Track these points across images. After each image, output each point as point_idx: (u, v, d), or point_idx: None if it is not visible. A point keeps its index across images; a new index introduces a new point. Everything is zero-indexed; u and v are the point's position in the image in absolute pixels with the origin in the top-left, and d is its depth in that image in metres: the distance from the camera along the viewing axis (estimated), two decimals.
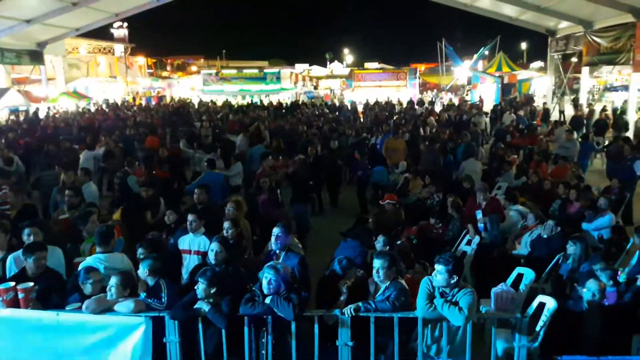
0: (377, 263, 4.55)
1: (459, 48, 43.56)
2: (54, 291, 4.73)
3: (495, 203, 7.91)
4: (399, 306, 4.36)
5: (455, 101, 33.27)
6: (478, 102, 30.09)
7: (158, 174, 10.37)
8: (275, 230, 5.39)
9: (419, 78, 41.28)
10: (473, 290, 4.29)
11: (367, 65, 58.96)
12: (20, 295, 4.39)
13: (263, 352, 4.39)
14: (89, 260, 5.13)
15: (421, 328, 4.34)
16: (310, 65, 62.85)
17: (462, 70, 39.63)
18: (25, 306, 4.41)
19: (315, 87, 54.28)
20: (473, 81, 36.69)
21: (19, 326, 4.45)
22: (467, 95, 37.40)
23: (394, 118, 21.74)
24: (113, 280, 4.45)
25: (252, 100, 37.56)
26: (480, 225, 7.57)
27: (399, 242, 6.56)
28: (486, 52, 41.30)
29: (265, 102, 36.08)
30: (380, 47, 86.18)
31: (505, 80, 36.18)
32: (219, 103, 35.21)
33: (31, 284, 4.50)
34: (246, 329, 4.36)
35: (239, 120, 22.74)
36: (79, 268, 4.96)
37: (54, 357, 4.43)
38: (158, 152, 12.41)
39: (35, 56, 28.97)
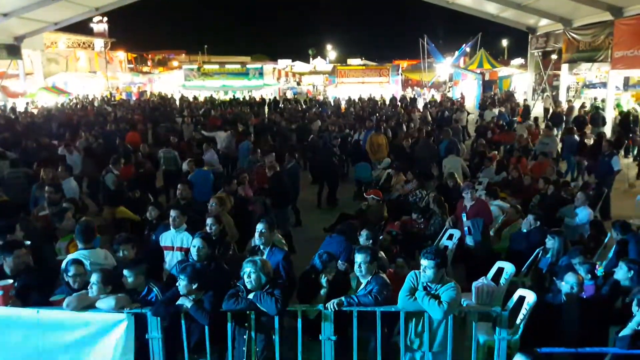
0: (358, 257, 4.58)
1: (441, 45, 43.93)
2: (33, 289, 4.68)
3: (481, 205, 7.42)
4: (381, 300, 4.39)
5: (438, 98, 33.53)
6: (459, 99, 30.36)
7: (146, 170, 10.32)
8: (259, 226, 5.38)
9: (402, 75, 41.48)
10: (456, 285, 4.34)
11: (350, 61, 59.04)
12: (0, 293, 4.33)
13: (244, 348, 4.38)
14: (74, 255, 5.09)
15: (403, 322, 4.38)
16: (293, 61, 62.66)
17: (443, 67, 39.96)
18: (4, 303, 4.35)
19: (298, 83, 54.22)
20: (455, 78, 37.06)
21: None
22: (448, 91, 37.74)
23: (377, 114, 21.83)
24: (94, 277, 4.40)
25: (234, 96, 37.37)
26: (465, 228, 7.25)
27: (381, 237, 6.60)
28: (467, 49, 41.66)
29: (248, 98, 35.91)
30: (363, 43, 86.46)
31: (487, 77, 36.56)
32: (201, 99, 34.95)
33: (10, 281, 4.46)
34: (229, 325, 4.35)
35: (221, 115, 22.61)
36: (66, 260, 4.93)
37: (35, 354, 4.37)
38: (139, 149, 12.29)
39: (13, 50, 28.44)
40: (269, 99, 34.27)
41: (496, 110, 23.51)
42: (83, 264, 4.82)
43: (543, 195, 8.82)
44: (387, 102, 29.75)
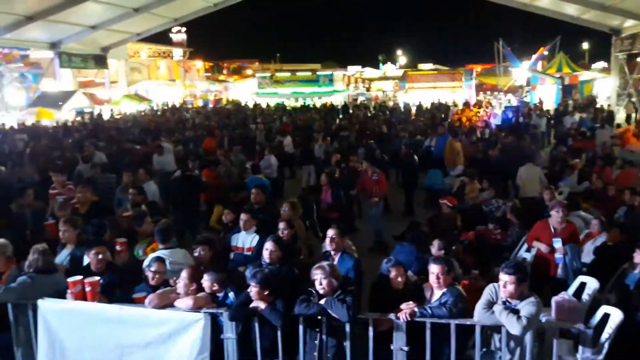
0: (434, 268, 4.49)
1: (517, 48, 42.25)
2: (117, 286, 4.94)
3: (573, 228, 6.44)
4: (456, 313, 4.27)
5: (514, 103, 32.33)
6: (537, 104, 29.12)
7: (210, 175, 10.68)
8: (330, 232, 5.42)
9: (475, 79, 40.37)
10: (537, 300, 4.14)
11: (421, 66, 58.19)
12: (87, 289, 4.60)
13: (315, 353, 4.40)
14: (157, 253, 5.38)
15: (479, 336, 4.24)
16: (362, 67, 62.64)
17: (520, 71, 38.45)
18: (91, 299, 4.61)
19: (368, 89, 54.08)
20: (532, 82, 35.56)
21: (86, 317, 4.64)
22: (526, 96, 36.28)
23: (449, 120, 21.39)
24: (183, 274, 4.59)
25: (304, 103, 37.90)
26: (559, 257, 6.17)
27: (454, 247, 6.42)
28: (546, 53, 39.89)
29: (318, 105, 36.29)
30: (434, 48, 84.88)
31: (566, 82, 34.83)
32: (273, 105, 35.74)
33: (97, 278, 4.72)
34: (301, 329, 4.40)
35: (292, 122, 23.00)
36: (149, 257, 5.21)
37: (118, 348, 4.60)
38: (215, 154, 12.72)
39: (100, 60, 30.40)
40: (337, 106, 34.46)
41: (577, 116, 22.35)
42: (164, 262, 5.06)
43: (630, 207, 8.26)
44: (461, 107, 29.06)
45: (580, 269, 6.08)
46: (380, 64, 65.40)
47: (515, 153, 11.67)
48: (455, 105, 30.62)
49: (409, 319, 4.26)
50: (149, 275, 4.92)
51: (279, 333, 4.39)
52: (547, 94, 32.04)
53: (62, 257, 5.71)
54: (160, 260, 5.06)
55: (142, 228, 6.22)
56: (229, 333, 4.49)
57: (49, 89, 27.96)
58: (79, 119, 24.85)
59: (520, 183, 10.02)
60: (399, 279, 4.74)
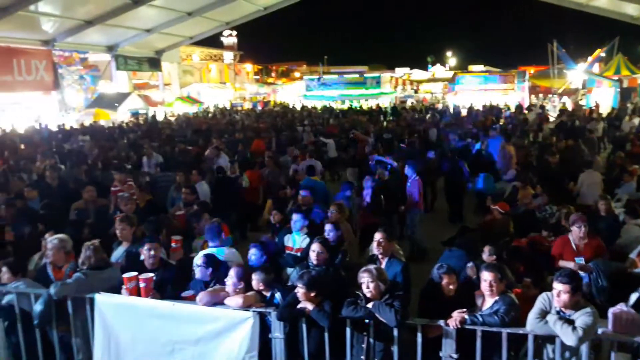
0: (486, 275, 4.38)
1: (572, 50, 40.82)
2: (169, 283, 5.08)
3: (597, 244, 6.10)
4: (508, 321, 4.16)
5: (569, 105, 31.25)
6: (593, 107, 28.03)
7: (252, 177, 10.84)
8: (377, 236, 5.39)
9: (528, 81, 39.27)
10: (594, 310, 3.99)
11: (471, 68, 57.06)
12: (142, 285, 4.75)
13: (362, 357, 4.38)
14: (207, 251, 5.54)
15: (532, 345, 4.12)
16: (410, 69, 62.05)
17: (576, 74, 37.09)
18: (145, 295, 4.76)
19: (416, 91, 53.58)
20: (588, 85, 34.25)
21: (139, 312, 4.79)
22: (581, 99, 34.98)
23: (501, 123, 20.87)
24: (231, 273, 4.69)
25: (351, 105, 37.89)
26: (583, 275, 5.65)
27: (506, 254, 6.25)
28: (603, 54, 38.32)
29: (365, 107, 36.21)
30: (485, 49, 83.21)
31: (625, 84, 33.32)
32: (320, 108, 35.91)
33: (151, 274, 4.87)
34: (348, 332, 4.39)
35: (338, 124, 23.02)
36: (200, 254, 5.34)
37: (170, 343, 4.72)
38: (263, 155, 12.89)
39: (154, 63, 31.36)
40: (385, 108, 34.25)
41: (636, 120, 21.33)
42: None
43: None
44: (513, 110, 28.33)
45: (605, 288, 5.65)
46: (429, 66, 64.65)
47: (574, 158, 11.25)
48: (507, 108, 29.89)
49: (459, 326, 4.18)
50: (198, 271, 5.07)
51: (326, 335, 4.40)
52: (604, 97, 30.78)
53: (118, 253, 5.94)
54: (210, 258, 5.19)
55: (200, 225, 6.39)
56: (277, 332, 4.53)
57: (106, 90, 29.08)
58: (133, 119, 25.72)
59: (580, 189, 9.66)
60: (451, 287, 4.66)
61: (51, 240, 5.39)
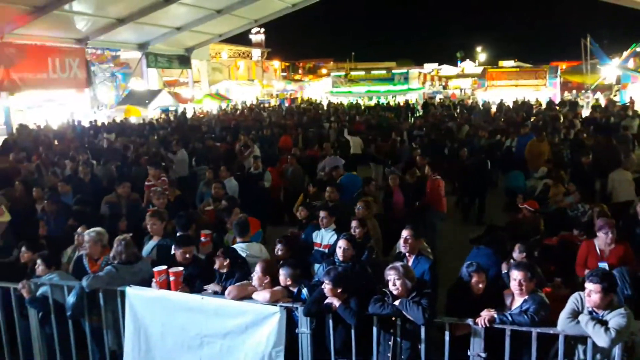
0: (516, 274, 4.31)
1: (606, 45, 39.72)
2: (198, 277, 5.16)
3: (624, 250, 5.81)
4: (538, 321, 4.09)
5: (602, 102, 30.45)
6: (628, 104, 27.24)
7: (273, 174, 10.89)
8: (405, 233, 5.35)
9: (560, 77, 38.40)
10: (629, 312, 3.89)
11: (502, 63, 56.10)
12: (171, 278, 4.84)
13: (389, 354, 4.37)
14: (233, 247, 5.62)
15: (562, 346, 4.04)
16: (439, 64, 61.37)
17: (610, 69, 36.10)
18: (175, 288, 4.84)
19: (445, 87, 52.98)
20: (623, 81, 33.33)
21: (169, 305, 4.88)
22: (615, 95, 34.04)
23: (532, 119, 20.46)
24: (257, 268, 4.73)
25: (378, 101, 37.70)
26: None
27: (537, 253, 6.15)
28: (639, 49, 37.18)
29: (392, 103, 35.97)
30: (516, 44, 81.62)
31: None
32: (347, 104, 35.85)
33: (181, 268, 4.95)
34: (375, 329, 4.38)
35: (365, 121, 22.92)
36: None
37: (198, 336, 4.79)
38: (291, 151, 12.95)
39: (184, 61, 31.77)
40: (413, 104, 33.96)
41: None
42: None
43: None
44: (544, 106, 27.76)
45: (632, 297, 5.33)
46: (459, 61, 63.84)
47: (606, 156, 10.95)
48: (538, 104, 29.31)
49: (488, 325, 4.13)
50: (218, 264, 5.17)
51: (352, 331, 4.40)
52: (639, 93, 29.87)
53: (149, 247, 6.06)
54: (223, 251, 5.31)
55: (230, 219, 6.49)
56: (304, 328, 4.55)
57: (137, 87, 29.59)
58: (163, 116, 26.13)
59: (612, 189, 9.41)
60: (480, 285, 4.61)
61: (89, 233, 5.54)
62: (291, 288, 4.73)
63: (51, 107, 24.99)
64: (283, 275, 4.72)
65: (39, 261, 5.40)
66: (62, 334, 5.18)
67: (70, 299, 5.01)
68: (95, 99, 26.50)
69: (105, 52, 27.97)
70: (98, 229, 5.67)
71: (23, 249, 5.85)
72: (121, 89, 28.90)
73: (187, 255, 5.28)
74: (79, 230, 6.07)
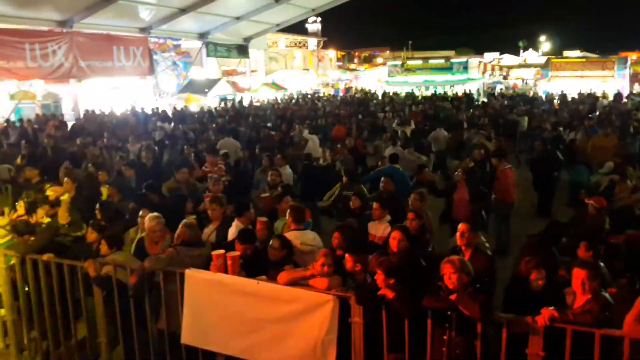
0: (578, 272, 4.14)
1: None
2: (256, 262, 5.25)
3: None
4: (601, 322, 3.92)
5: None
6: None
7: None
8: (461, 227, 5.24)
9: (630, 68, 36.35)
10: None
11: (566, 53, 53.75)
12: (229, 262, 4.94)
13: (443, 349, 4.30)
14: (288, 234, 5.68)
15: (628, 349, 3.85)
16: (500, 54, 59.47)
17: None
18: (231, 272, 4.95)
19: (505, 77, 51.36)
20: None
21: (225, 289, 4.98)
22: None
23: (599, 112, 19.51)
24: (318, 255, 4.78)
25: (435, 91, 36.98)
26: None
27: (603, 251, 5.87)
28: None
29: (450, 93, 35.19)
30: (582, 33, 77.99)
31: None
32: (403, 94, 35.36)
33: (238, 253, 5.05)
34: (429, 322, 4.32)
35: (421, 111, 22.57)
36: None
37: (253, 320, 4.87)
38: (344, 141, 12.94)
39: (242, 50, 32.24)
40: (473, 94, 33.09)
41: None
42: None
43: None
44: (612, 98, 26.39)
45: None
46: (521, 51, 61.68)
47: None
48: (604, 96, 27.91)
49: (548, 323, 3.99)
50: (270, 251, 5.22)
51: (405, 323, 4.36)
52: None
53: (208, 232, 6.22)
54: (277, 238, 5.38)
55: (281, 206, 6.57)
56: (357, 317, 4.55)
57: (197, 76, 30.31)
58: (222, 105, 26.68)
59: None
60: (539, 282, 4.46)
61: (150, 216, 5.75)
62: (358, 276, 4.73)
63: (115, 95, 26.04)
64: (351, 261, 4.72)
65: (103, 241, 5.65)
66: (124, 312, 5.38)
67: (132, 279, 5.22)
68: (157, 87, 27.37)
69: (167, 41, 28.76)
70: (157, 214, 5.87)
71: (89, 229, 6.14)
72: (182, 78, 29.67)
73: (248, 252, 5.36)
74: (141, 213, 6.31)
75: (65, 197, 6.56)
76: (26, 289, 5.86)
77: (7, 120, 19.76)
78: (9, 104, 22.75)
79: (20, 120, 18.30)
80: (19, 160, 11.12)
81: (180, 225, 5.53)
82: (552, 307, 4.06)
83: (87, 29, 22.04)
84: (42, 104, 23.50)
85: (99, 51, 22.73)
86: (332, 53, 56.70)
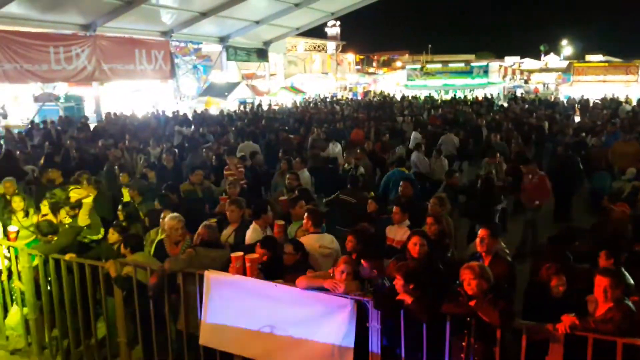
0: (600, 280, 4.07)
1: None
2: (274, 265, 5.27)
3: None
4: (623, 330, 3.85)
5: None
6: None
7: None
8: (481, 232, 5.19)
9: None
10: None
11: (589, 57, 52.97)
12: (247, 264, 4.97)
13: (462, 355, 4.27)
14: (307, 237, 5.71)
15: None
16: (521, 57, 58.88)
17: None
18: (250, 274, 4.97)
19: (526, 81, 50.84)
20: None
21: (244, 290, 5.00)
22: None
23: (621, 117, 19.19)
24: (338, 260, 4.78)
25: (454, 95, 36.74)
26: None
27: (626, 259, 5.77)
28: None
29: (470, 97, 34.93)
30: (605, 37, 76.85)
31: None
32: (422, 98, 35.22)
33: (257, 255, 5.08)
34: (447, 328, 4.29)
35: (440, 115, 22.44)
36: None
37: (271, 322, 4.88)
38: (363, 145, 12.89)
39: (261, 54, 32.45)
40: (494, 98, 32.81)
41: None
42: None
43: None
44: (635, 103, 25.94)
45: None
46: (542, 55, 61.01)
47: None
48: (627, 101, 27.43)
49: (569, 331, 3.93)
50: (284, 256, 5.22)
51: (424, 328, 4.34)
52: None
53: (227, 234, 6.27)
54: (290, 243, 5.41)
55: (295, 210, 6.58)
56: (374, 322, 4.54)
57: (217, 80, 30.59)
58: (241, 108, 26.86)
59: None
60: (560, 288, 4.40)
61: (170, 216, 5.82)
62: (375, 280, 4.72)
63: (136, 97, 26.38)
64: (367, 267, 4.71)
65: (124, 242, 5.73)
66: (144, 313, 5.44)
67: (152, 279, 5.27)
68: (178, 90, 27.68)
69: (188, 45, 29.10)
70: (177, 214, 5.94)
71: (111, 230, 6.23)
72: (202, 81, 29.97)
73: (264, 258, 5.35)
74: (162, 214, 6.38)
75: (87, 200, 6.65)
76: (48, 288, 5.96)
77: (32, 122, 20.18)
78: (33, 106, 23.23)
79: (44, 121, 18.65)
80: (42, 161, 11.36)
81: (201, 226, 5.60)
82: (573, 314, 4.01)
83: (109, 32, 22.41)
84: (65, 106, 23.93)
85: (121, 54, 23.07)
86: (350, 57, 56.76)
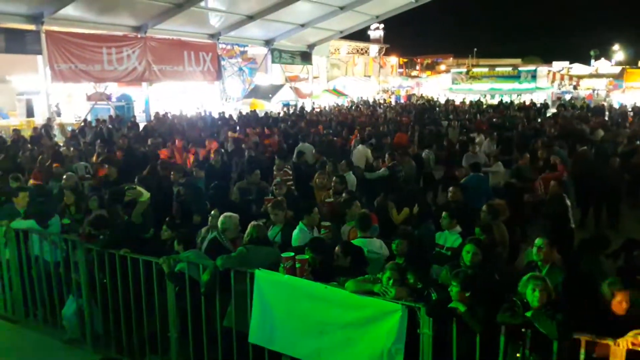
0: None
1: None
2: (325, 267, 5.28)
3: None
4: None
5: None
6: None
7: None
8: (538, 242, 5.07)
9: None
10: None
11: None
12: (297, 265, 5.00)
13: None
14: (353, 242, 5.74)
15: None
16: (570, 63, 57.18)
17: None
18: (300, 275, 4.99)
19: (575, 87, 49.31)
20: None
21: (294, 291, 5.03)
22: None
23: None
24: (389, 264, 4.77)
25: (502, 100, 36.01)
26: None
27: None
28: None
29: (517, 102, 34.17)
30: None
31: None
32: (467, 102, 34.67)
33: (307, 256, 5.10)
34: (502, 339, 4.20)
35: (487, 119, 22.01)
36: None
37: (319, 324, 4.89)
38: (406, 149, 12.78)
39: (305, 57, 32.67)
40: (540, 103, 31.99)
41: None
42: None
43: None
44: None
45: None
46: (592, 60, 59.08)
47: None
48: None
49: (630, 347, 3.78)
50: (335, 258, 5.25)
51: (477, 338, 4.25)
52: None
53: (272, 234, 6.33)
54: (340, 245, 5.43)
55: (351, 211, 6.62)
56: (426, 329, 4.48)
57: (261, 82, 30.96)
58: (285, 110, 27.10)
59: None
60: (623, 305, 4.22)
61: (223, 216, 5.92)
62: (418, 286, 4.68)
63: (184, 98, 26.97)
64: (414, 275, 4.68)
65: (176, 239, 5.86)
66: (195, 309, 5.54)
67: (205, 276, 5.36)
68: (224, 92, 28.16)
69: (234, 48, 29.58)
70: (230, 213, 6.03)
71: (164, 227, 6.37)
72: (247, 83, 30.39)
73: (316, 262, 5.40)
74: (213, 212, 6.49)
75: (144, 199, 6.80)
76: (104, 281, 6.14)
77: (85, 120, 20.92)
78: (86, 105, 24.08)
79: (97, 120, 19.30)
80: (94, 159, 11.74)
81: (250, 225, 5.67)
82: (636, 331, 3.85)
83: (159, 34, 23.00)
84: (116, 105, 24.71)
85: (170, 56, 23.67)
86: (393, 60, 56.42)
